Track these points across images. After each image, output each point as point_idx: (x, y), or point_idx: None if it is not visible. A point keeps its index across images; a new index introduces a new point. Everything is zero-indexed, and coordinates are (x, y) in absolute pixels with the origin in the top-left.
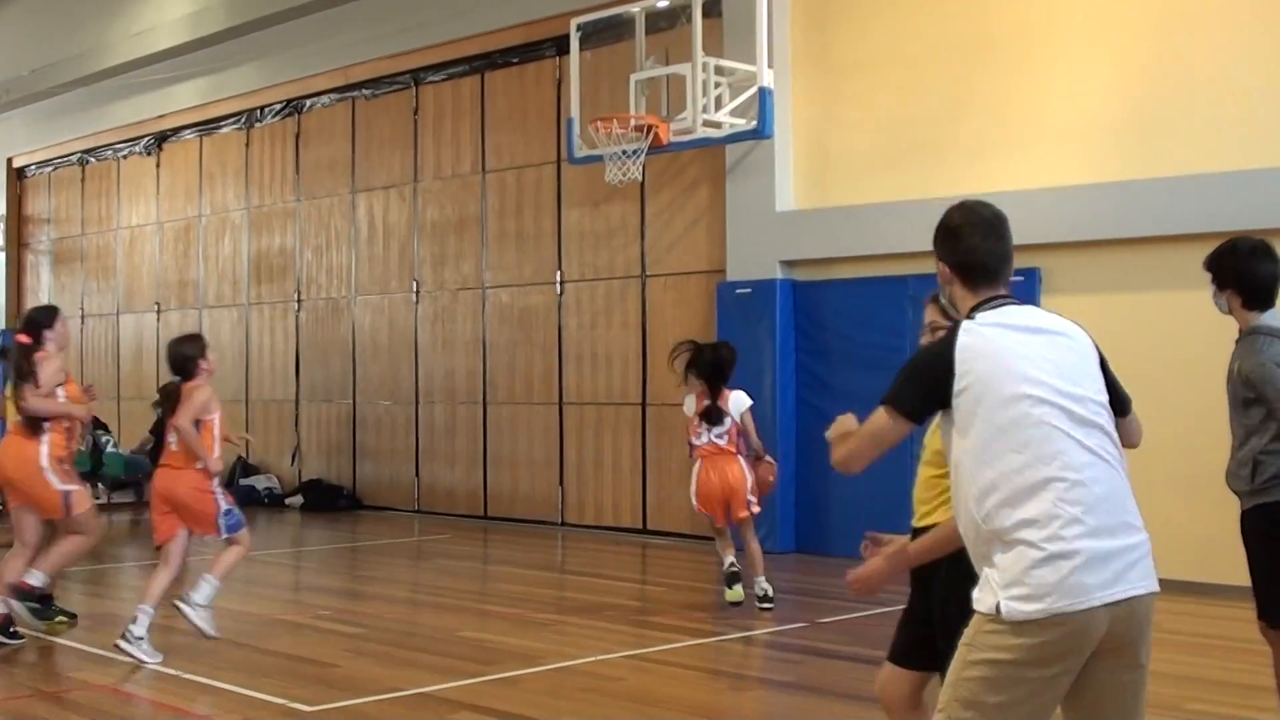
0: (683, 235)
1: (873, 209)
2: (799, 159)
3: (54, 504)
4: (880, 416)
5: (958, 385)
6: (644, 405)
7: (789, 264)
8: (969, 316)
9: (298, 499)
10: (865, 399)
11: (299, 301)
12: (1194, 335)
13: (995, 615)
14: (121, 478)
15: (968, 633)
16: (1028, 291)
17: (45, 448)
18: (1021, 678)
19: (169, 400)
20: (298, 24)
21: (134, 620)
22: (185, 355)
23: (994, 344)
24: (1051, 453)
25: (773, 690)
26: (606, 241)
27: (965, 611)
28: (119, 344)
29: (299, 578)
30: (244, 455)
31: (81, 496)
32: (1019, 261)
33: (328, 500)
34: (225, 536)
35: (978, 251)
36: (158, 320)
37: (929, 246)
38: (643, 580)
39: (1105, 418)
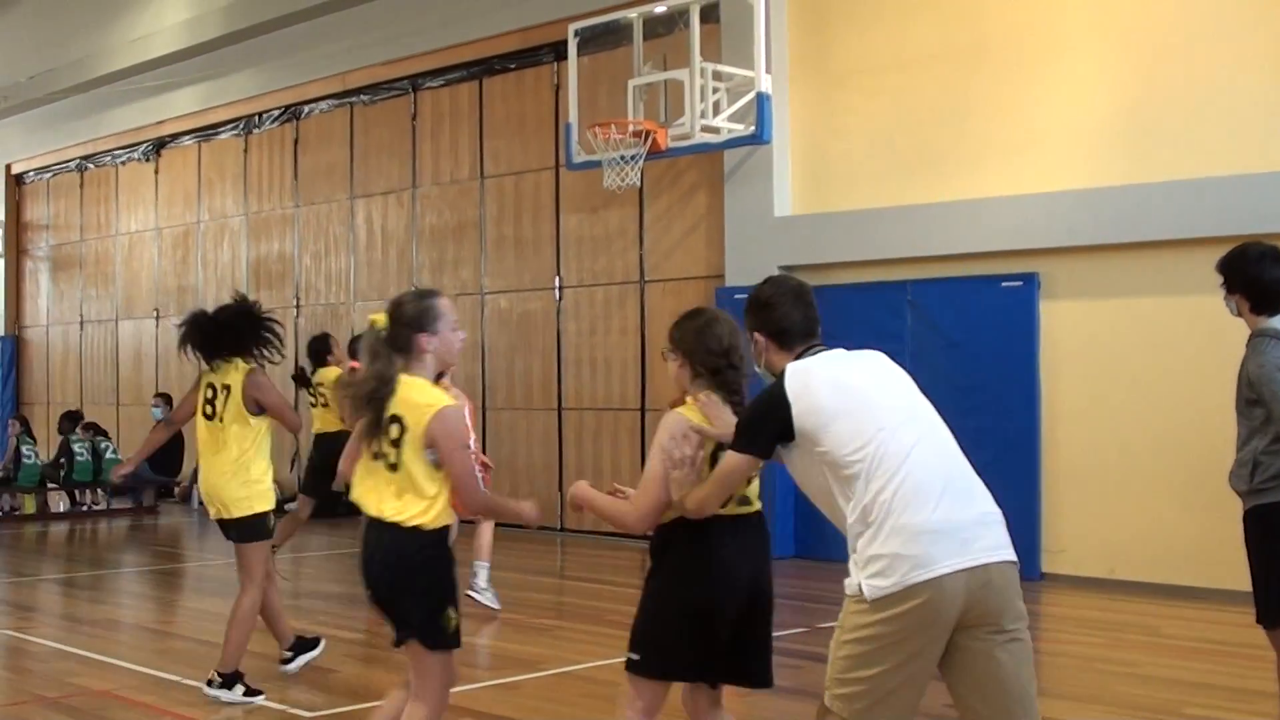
0: (681, 240)
1: (871, 214)
2: (797, 164)
3: None
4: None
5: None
6: (643, 410)
7: (787, 269)
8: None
9: (297, 505)
10: None
11: (298, 307)
12: (1192, 340)
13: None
14: (121, 483)
15: None
16: (1027, 296)
17: None
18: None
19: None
20: (296, 30)
21: (475, 575)
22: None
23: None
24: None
25: (772, 696)
26: (605, 247)
27: None
28: (118, 350)
29: (299, 583)
30: None
31: None
32: (1020, 265)
33: (328, 506)
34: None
35: (790, 318)
36: (156, 326)
37: (927, 252)
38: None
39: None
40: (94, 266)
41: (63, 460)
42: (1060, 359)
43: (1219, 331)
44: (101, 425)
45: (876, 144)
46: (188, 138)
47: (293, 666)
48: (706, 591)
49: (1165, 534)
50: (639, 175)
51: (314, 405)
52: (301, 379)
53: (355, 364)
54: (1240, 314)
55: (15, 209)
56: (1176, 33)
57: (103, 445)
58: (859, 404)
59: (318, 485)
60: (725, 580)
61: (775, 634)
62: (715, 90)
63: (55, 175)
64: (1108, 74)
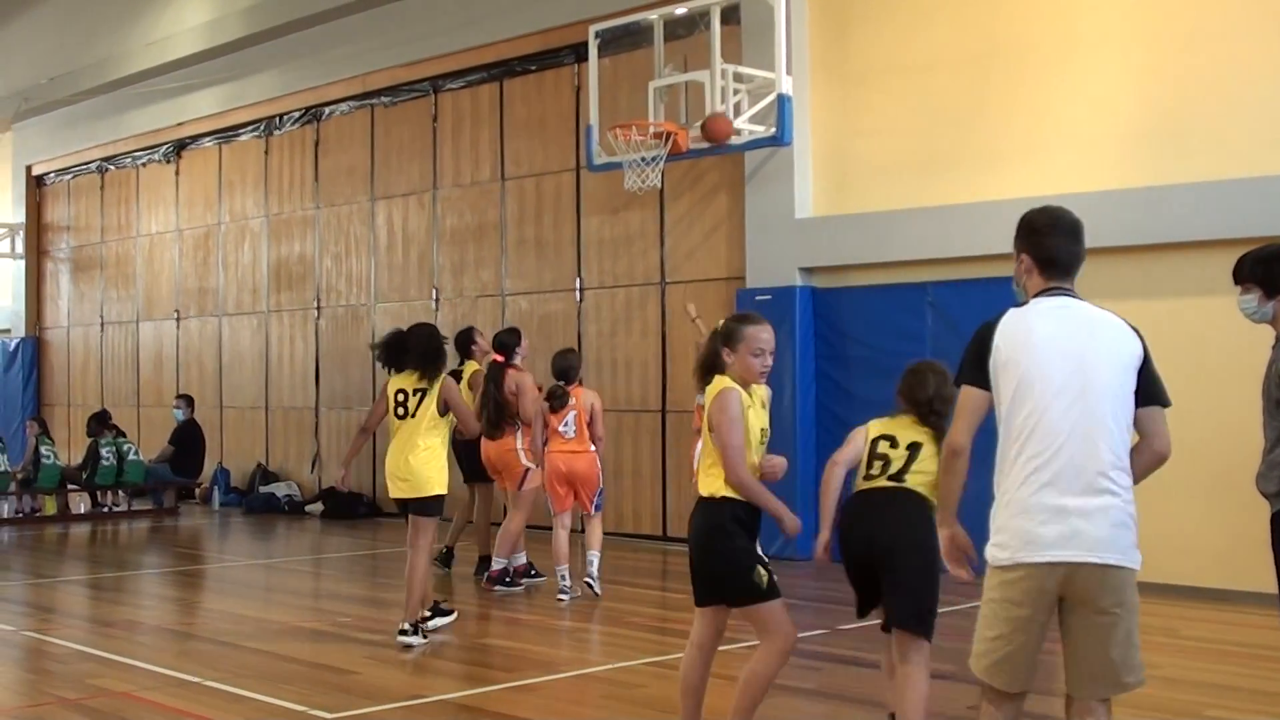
0: (702, 242)
1: (892, 216)
2: (818, 166)
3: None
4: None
5: None
6: (664, 412)
7: (808, 271)
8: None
9: (318, 506)
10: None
11: (319, 309)
12: (1216, 341)
13: None
14: (143, 485)
15: None
16: None
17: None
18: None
19: (562, 400)
20: (316, 32)
21: (589, 564)
22: (572, 365)
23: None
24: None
25: (793, 697)
26: (626, 248)
27: None
28: (138, 351)
29: (319, 585)
30: (263, 463)
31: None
32: None
33: (348, 507)
34: (597, 510)
35: (1059, 250)
36: (177, 328)
37: (947, 253)
38: (663, 587)
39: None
40: (115, 268)
41: (86, 463)
42: None
43: (1244, 332)
44: (122, 427)
45: (897, 145)
46: (208, 139)
47: (431, 625)
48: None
49: (1187, 536)
50: (660, 177)
51: None
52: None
53: (498, 356)
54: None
55: (36, 210)
56: (1198, 33)
57: (125, 447)
58: (1036, 371)
59: (470, 470)
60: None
61: (799, 635)
62: (736, 92)
63: (76, 177)
64: (1129, 74)
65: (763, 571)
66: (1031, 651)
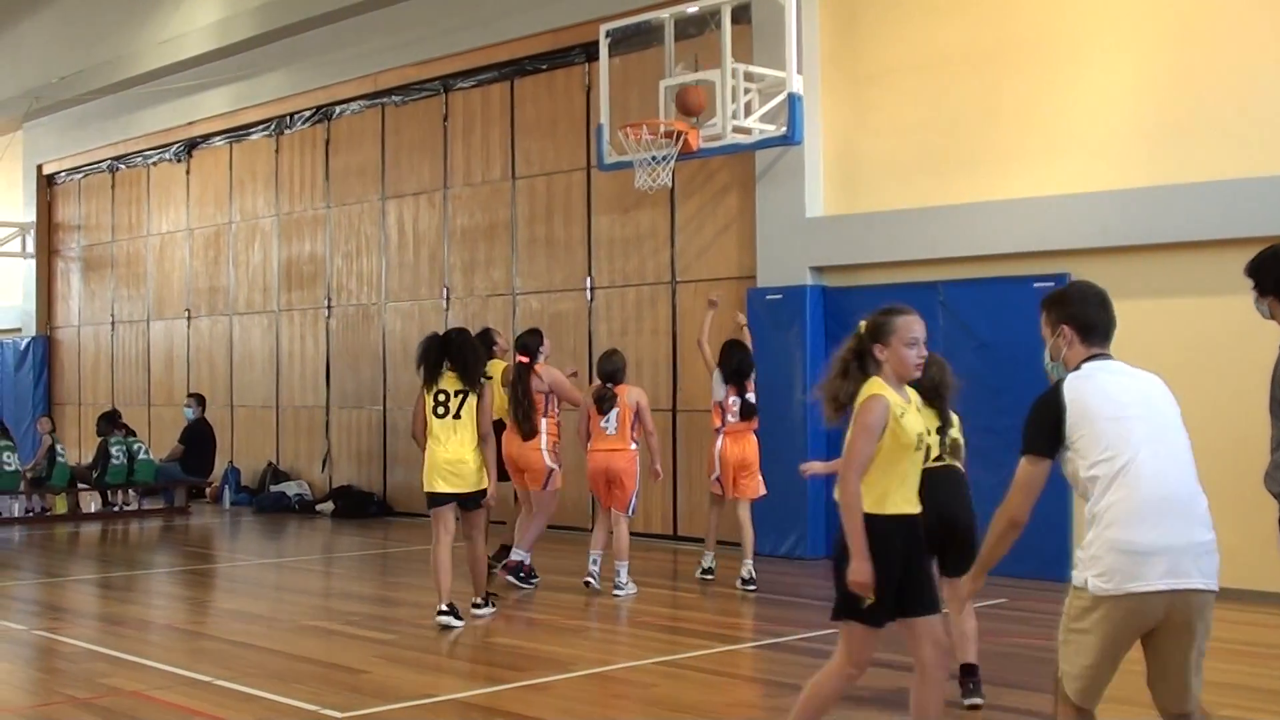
0: (713, 241)
1: (902, 215)
2: (829, 165)
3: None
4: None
5: None
6: (674, 411)
7: (819, 270)
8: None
9: (328, 505)
10: None
11: (329, 308)
12: (1224, 341)
13: None
14: (153, 484)
15: None
16: None
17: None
18: None
19: (610, 402)
20: (327, 31)
21: (617, 574)
22: (619, 368)
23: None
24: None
25: None
26: (637, 247)
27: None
28: (149, 350)
29: (330, 584)
30: (274, 462)
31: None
32: (1052, 266)
33: (358, 506)
34: (631, 514)
35: (1098, 318)
36: (188, 327)
37: (958, 252)
38: (674, 586)
39: None
40: (125, 267)
41: (96, 462)
42: None
43: (1251, 333)
44: (132, 426)
45: (908, 145)
46: (219, 138)
47: (483, 611)
48: None
49: None
50: (670, 176)
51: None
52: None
53: (522, 357)
54: (1272, 316)
55: (47, 209)
56: (1208, 33)
57: (135, 446)
58: (1115, 418)
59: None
60: None
61: (805, 635)
62: (746, 91)
63: (87, 176)
64: (1140, 74)
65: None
66: (1112, 674)
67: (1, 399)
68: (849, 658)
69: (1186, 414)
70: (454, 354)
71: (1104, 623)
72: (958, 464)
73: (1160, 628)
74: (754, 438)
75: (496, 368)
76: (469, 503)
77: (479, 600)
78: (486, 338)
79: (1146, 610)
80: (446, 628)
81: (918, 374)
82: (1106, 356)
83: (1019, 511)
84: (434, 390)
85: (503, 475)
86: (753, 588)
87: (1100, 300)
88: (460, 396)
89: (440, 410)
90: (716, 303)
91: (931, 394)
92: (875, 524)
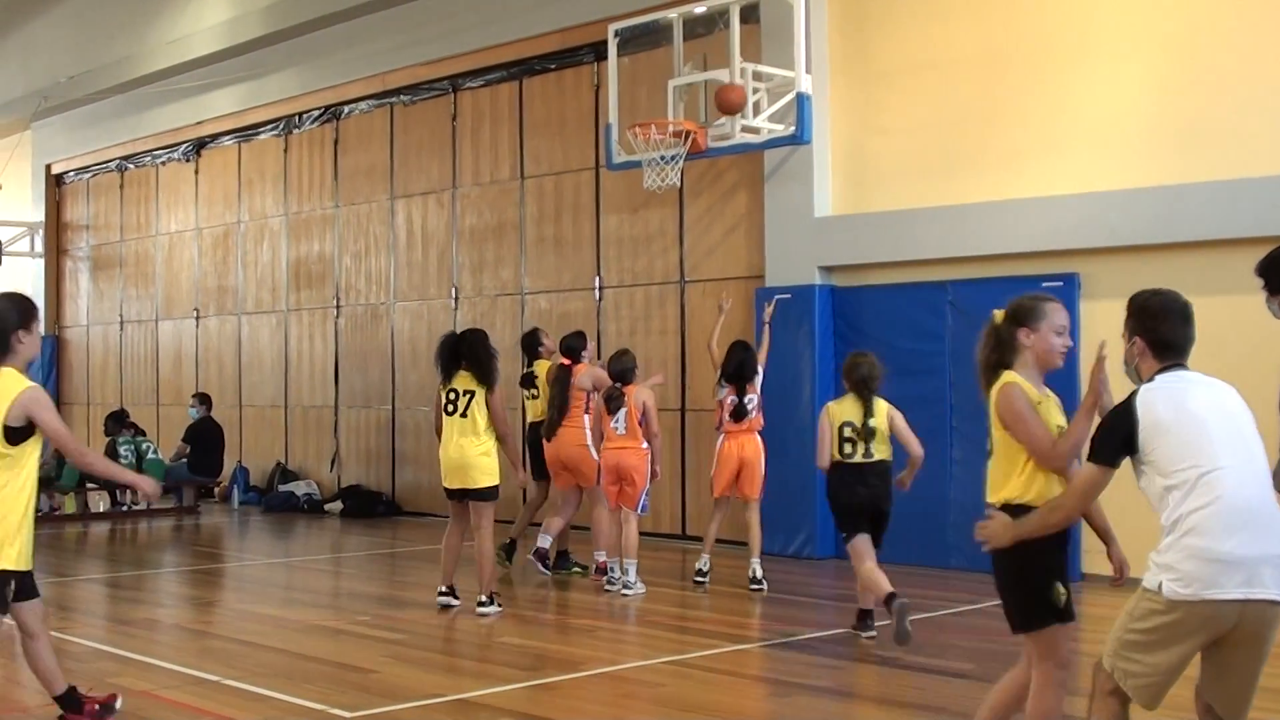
0: (721, 241)
1: (911, 214)
2: (837, 164)
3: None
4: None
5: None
6: (683, 411)
7: (827, 269)
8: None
9: (337, 505)
10: (903, 404)
11: (338, 307)
12: (1233, 340)
13: None
14: (162, 483)
15: None
16: (1067, 296)
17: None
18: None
19: (618, 401)
20: (335, 30)
21: (625, 572)
22: (628, 368)
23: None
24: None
25: (812, 696)
26: (645, 247)
27: None
28: (158, 350)
29: (338, 583)
30: (282, 461)
31: None
32: (1061, 265)
33: (367, 506)
34: (641, 513)
35: (1174, 334)
36: (196, 326)
37: (967, 252)
38: (682, 586)
39: None
40: (134, 267)
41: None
42: None
43: (1261, 332)
44: (141, 425)
45: (917, 144)
46: (228, 138)
47: (486, 609)
48: None
49: None
50: (679, 175)
51: (532, 398)
52: (526, 380)
53: (565, 360)
54: None
55: (55, 209)
56: (1215, 32)
57: (144, 446)
58: (1193, 428)
59: (540, 468)
60: None
61: (814, 635)
62: (755, 90)
63: (95, 175)
64: (1148, 72)
65: (1061, 590)
66: (1177, 678)
67: None
68: (1055, 661)
69: None
70: (467, 353)
71: (1177, 627)
72: (886, 456)
73: (1229, 636)
74: (756, 439)
75: (543, 367)
76: (476, 499)
77: (484, 598)
78: (534, 338)
79: (1220, 617)
80: (445, 607)
81: (1060, 364)
82: (1181, 367)
83: (1074, 512)
84: (447, 388)
85: (541, 474)
86: (759, 587)
87: (1182, 316)
88: (469, 396)
89: (450, 408)
90: (725, 307)
91: (862, 387)
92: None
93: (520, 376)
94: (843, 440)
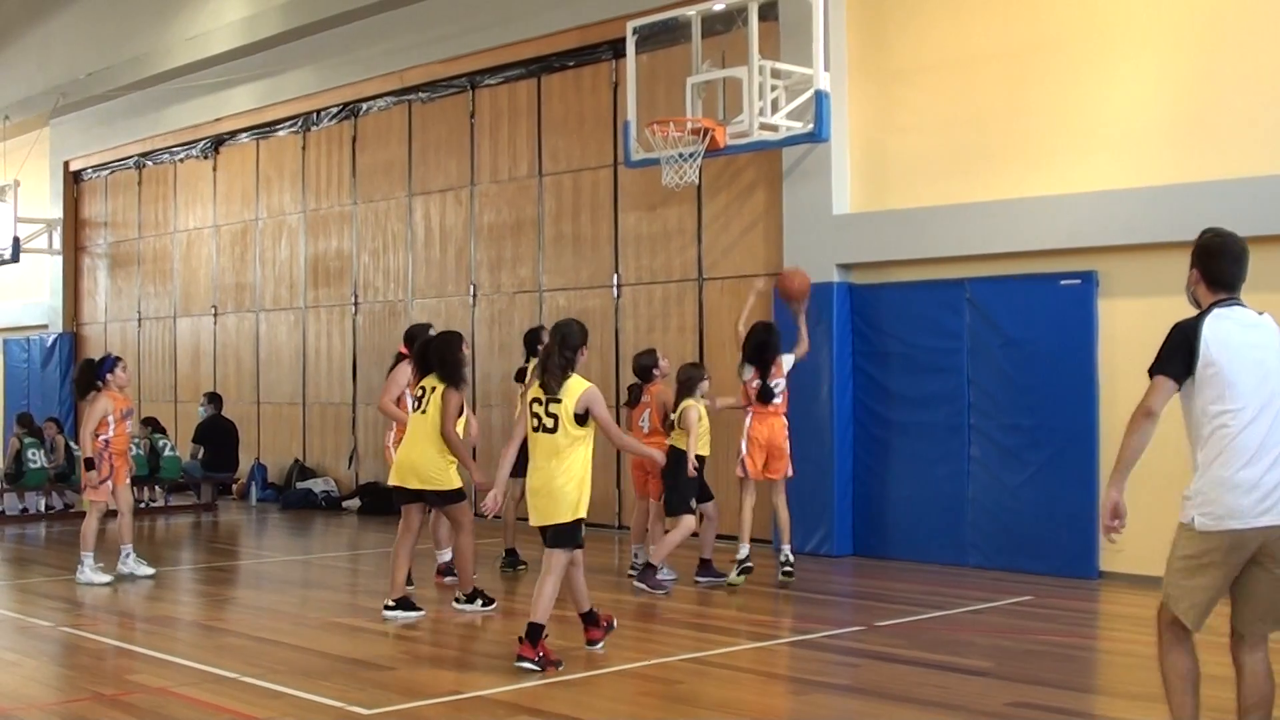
0: (740, 238)
1: (929, 212)
2: (856, 162)
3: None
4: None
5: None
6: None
7: (846, 267)
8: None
9: (355, 502)
10: (922, 402)
11: (356, 304)
12: None
13: None
14: (179, 480)
15: None
16: (1086, 294)
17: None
18: None
19: (636, 398)
20: (353, 28)
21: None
22: (644, 366)
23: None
24: None
25: (831, 694)
26: (664, 244)
27: None
28: (176, 347)
29: (356, 580)
30: (300, 459)
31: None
32: (1079, 263)
33: (385, 503)
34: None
35: (1226, 272)
36: (214, 323)
37: (985, 250)
38: (699, 583)
39: None
40: (152, 263)
41: None
42: (1119, 357)
43: None
44: (160, 422)
45: (935, 142)
46: (245, 135)
47: (463, 607)
48: None
49: None
50: (697, 173)
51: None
52: (521, 376)
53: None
54: None
55: (74, 206)
56: (1234, 30)
57: (161, 442)
58: (1230, 368)
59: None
60: None
61: (832, 632)
62: (773, 88)
63: (113, 172)
64: (1167, 71)
65: None
66: (1218, 600)
67: (29, 395)
68: None
69: None
70: (434, 356)
71: (1209, 555)
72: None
73: (1254, 558)
74: (783, 419)
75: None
76: (438, 503)
77: (460, 595)
78: (535, 336)
79: (1243, 544)
80: (393, 619)
81: None
82: (1235, 302)
83: (1152, 406)
84: (417, 386)
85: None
86: (789, 573)
87: (1234, 256)
88: (432, 392)
89: (415, 404)
90: (763, 290)
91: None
92: None
93: (515, 371)
94: None
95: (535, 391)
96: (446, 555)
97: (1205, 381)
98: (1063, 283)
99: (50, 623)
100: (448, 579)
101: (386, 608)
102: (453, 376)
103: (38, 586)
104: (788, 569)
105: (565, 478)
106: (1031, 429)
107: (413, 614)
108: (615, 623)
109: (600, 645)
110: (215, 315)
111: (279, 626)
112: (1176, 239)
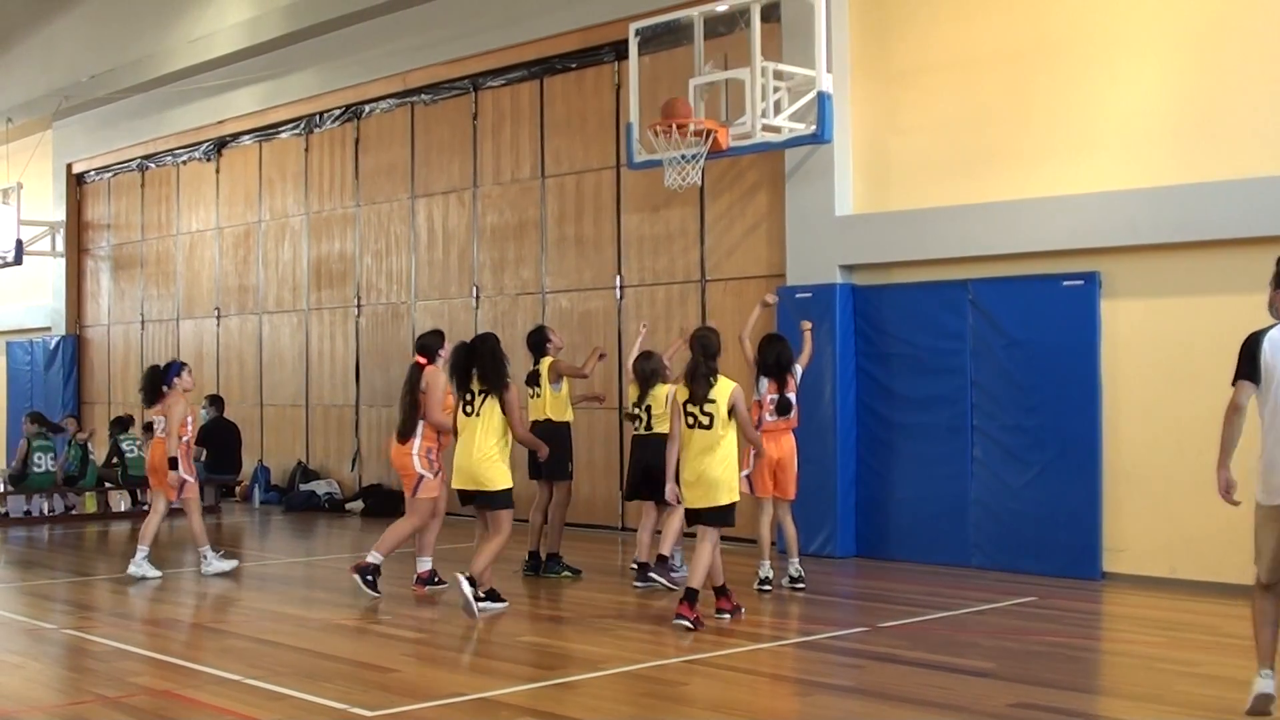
0: (742, 240)
1: (932, 213)
2: (858, 163)
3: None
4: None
5: None
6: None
7: (848, 268)
8: None
9: (358, 504)
10: (924, 403)
11: (359, 306)
12: None
13: None
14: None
15: None
16: (1088, 295)
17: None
18: None
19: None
20: (356, 30)
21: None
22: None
23: None
24: None
25: (833, 695)
26: (666, 246)
27: None
28: (179, 349)
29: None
30: (303, 460)
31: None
32: (1082, 264)
33: (388, 505)
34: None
35: None
36: (217, 325)
37: (988, 251)
38: (704, 584)
39: None
40: (155, 266)
41: (115, 460)
42: (1121, 358)
43: None
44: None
45: (938, 143)
46: (248, 137)
47: (487, 605)
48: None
49: (1226, 533)
50: (700, 174)
51: (536, 396)
52: (532, 378)
53: (421, 359)
54: None
55: (76, 208)
56: (1238, 30)
57: None
58: (1272, 371)
59: (536, 469)
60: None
61: (835, 633)
62: (776, 89)
63: (116, 175)
64: (1170, 71)
65: None
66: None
67: (32, 398)
68: None
69: (1215, 410)
70: (478, 364)
71: (1264, 522)
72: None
73: None
74: (792, 437)
75: (546, 365)
76: (484, 505)
77: (480, 593)
78: (541, 336)
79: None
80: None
81: None
82: None
83: (1239, 402)
84: (464, 392)
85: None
86: (800, 587)
87: None
88: (483, 396)
89: (467, 409)
90: (772, 303)
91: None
92: None
93: (527, 375)
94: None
95: (685, 396)
96: (427, 564)
97: (1265, 385)
98: (1065, 283)
99: (54, 625)
100: (427, 589)
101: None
102: (499, 381)
103: (41, 589)
104: (798, 584)
105: (721, 467)
106: (1034, 430)
107: (499, 605)
108: (744, 612)
109: (728, 616)
110: (218, 317)
111: (282, 628)
112: (1179, 239)
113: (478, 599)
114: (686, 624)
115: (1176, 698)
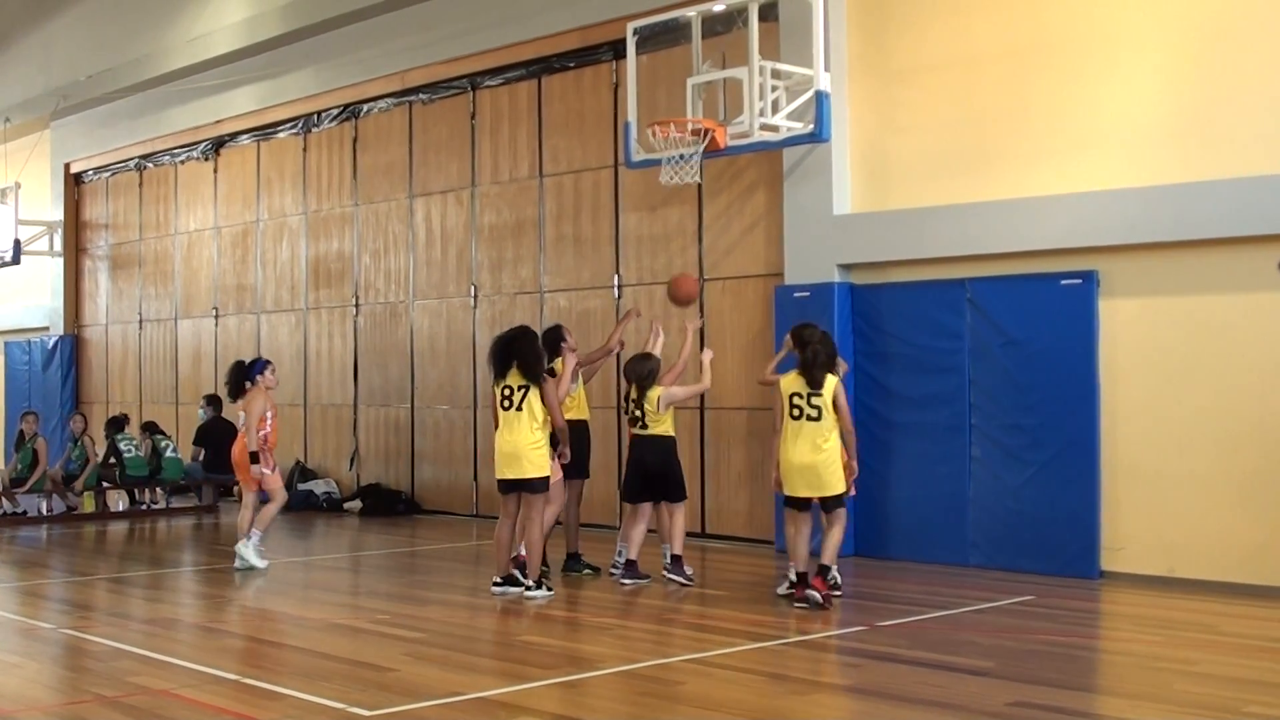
0: (740, 239)
1: (930, 212)
2: (856, 163)
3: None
4: None
5: None
6: (702, 409)
7: (846, 267)
8: None
9: (356, 503)
10: (923, 402)
11: (357, 306)
12: (1251, 337)
13: None
14: (180, 481)
15: None
16: (1086, 294)
17: None
18: None
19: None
20: (355, 29)
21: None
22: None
23: None
24: None
25: (833, 694)
26: (664, 245)
27: None
28: (177, 349)
29: (358, 582)
30: (302, 460)
31: None
32: (1080, 263)
33: (386, 505)
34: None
35: None
36: (215, 325)
37: (986, 250)
38: (702, 584)
39: None
40: (153, 265)
41: (113, 460)
42: (1120, 357)
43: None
44: (160, 425)
45: (936, 142)
46: (246, 137)
47: (534, 594)
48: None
49: (1224, 532)
50: (698, 173)
51: None
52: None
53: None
54: None
55: (74, 208)
56: (1236, 29)
57: (163, 444)
58: None
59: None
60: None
61: (833, 632)
62: (774, 88)
63: (114, 174)
64: (1168, 70)
65: None
66: None
67: (29, 398)
68: None
69: (1213, 409)
70: (517, 354)
71: None
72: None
73: None
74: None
75: (560, 365)
76: (526, 490)
77: (530, 583)
78: (556, 334)
79: None
80: (501, 595)
81: None
82: None
83: None
84: (502, 385)
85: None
86: (839, 593)
87: None
88: (523, 390)
89: (505, 403)
90: (789, 348)
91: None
92: None
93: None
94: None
95: (798, 386)
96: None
97: None
98: (1063, 282)
99: (52, 625)
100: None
101: (495, 584)
102: (536, 374)
103: (39, 589)
104: (835, 591)
105: (830, 455)
106: (1032, 429)
107: (546, 594)
108: (834, 602)
109: (818, 595)
110: (216, 317)
111: (280, 628)
112: (1177, 238)
113: (530, 589)
114: (816, 595)
115: (1175, 696)
